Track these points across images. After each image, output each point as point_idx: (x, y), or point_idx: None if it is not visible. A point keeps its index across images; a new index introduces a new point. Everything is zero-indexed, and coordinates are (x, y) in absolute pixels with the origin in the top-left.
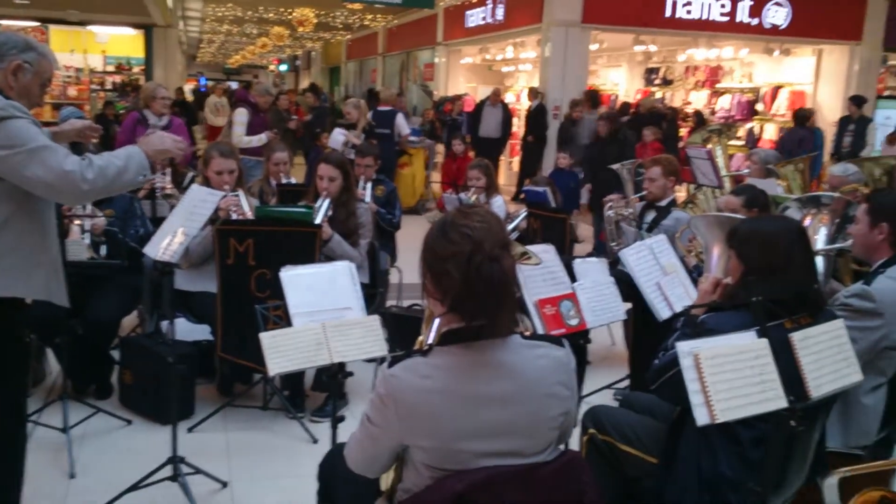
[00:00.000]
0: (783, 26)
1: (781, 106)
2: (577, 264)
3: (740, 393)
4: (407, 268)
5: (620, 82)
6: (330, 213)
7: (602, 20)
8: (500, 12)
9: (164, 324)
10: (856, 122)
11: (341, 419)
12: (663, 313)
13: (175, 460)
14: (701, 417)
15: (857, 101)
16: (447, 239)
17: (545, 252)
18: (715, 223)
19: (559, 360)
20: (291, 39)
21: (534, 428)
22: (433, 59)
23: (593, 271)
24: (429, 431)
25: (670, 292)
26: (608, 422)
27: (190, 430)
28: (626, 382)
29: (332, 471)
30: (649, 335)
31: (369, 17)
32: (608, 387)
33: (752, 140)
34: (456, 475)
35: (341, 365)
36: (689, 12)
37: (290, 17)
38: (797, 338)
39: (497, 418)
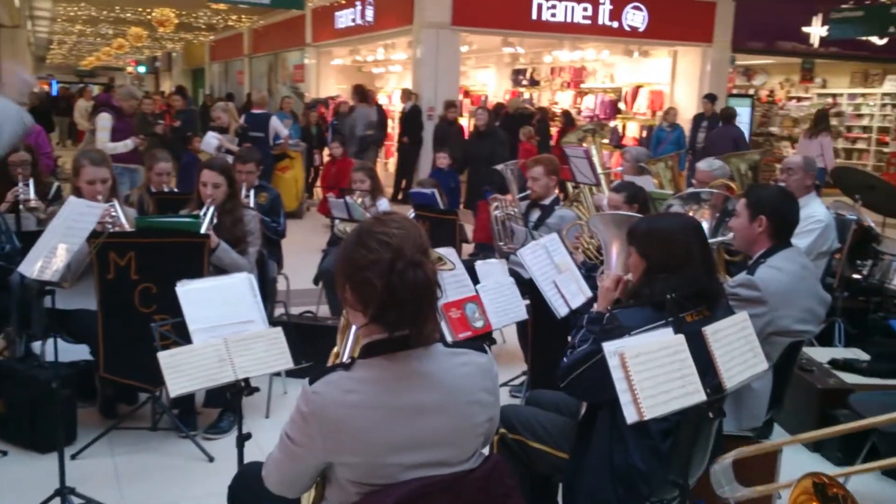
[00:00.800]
0: (641, 29)
1: (642, 105)
2: (480, 266)
3: (664, 389)
4: (294, 275)
5: (489, 83)
6: (215, 220)
7: (471, 22)
8: (369, 13)
9: (36, 345)
10: (709, 119)
11: (248, 437)
12: (561, 311)
13: (63, 491)
14: (630, 415)
15: (710, 98)
16: (365, 247)
17: (449, 255)
18: (612, 221)
19: (483, 367)
20: (150, 40)
21: (460, 436)
22: (302, 60)
23: (495, 272)
24: (355, 447)
25: (566, 289)
26: (517, 420)
27: (73, 457)
28: (521, 379)
29: (246, 492)
30: (544, 332)
31: (234, 17)
32: (504, 385)
33: (617, 138)
34: (384, 490)
35: (246, 381)
36: (553, 15)
37: (149, 17)
38: (709, 331)
39: (424, 429)
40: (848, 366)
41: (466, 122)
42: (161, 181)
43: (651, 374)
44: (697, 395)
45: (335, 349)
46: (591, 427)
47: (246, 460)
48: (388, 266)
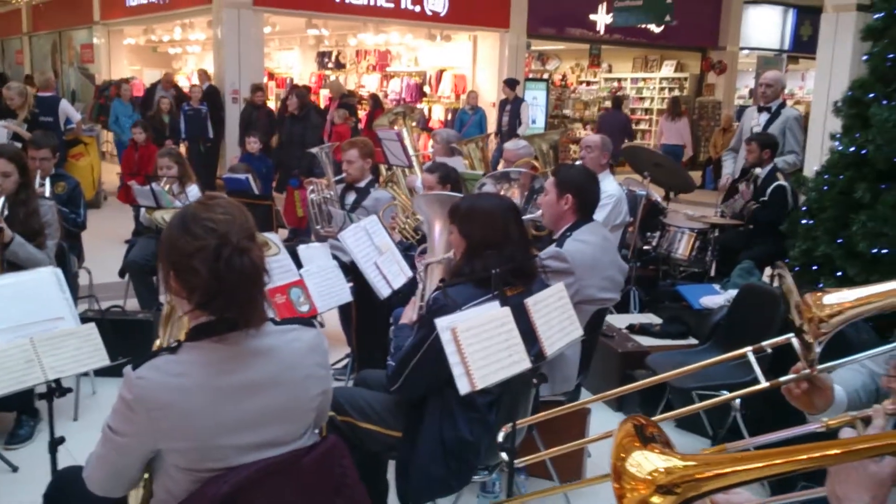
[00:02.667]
0: (442, 14)
1: (446, 88)
2: (302, 250)
3: (493, 359)
4: (97, 268)
5: (294, 65)
6: (6, 212)
7: (274, 3)
8: None
9: None
10: (512, 103)
11: (61, 441)
12: (384, 291)
13: None
14: (463, 387)
15: (510, 83)
16: (190, 234)
17: (273, 239)
18: (435, 201)
19: (313, 342)
20: None
21: (294, 411)
22: (91, 39)
23: (318, 256)
24: (186, 431)
25: (387, 270)
26: (346, 402)
27: None
28: (345, 363)
29: (65, 498)
30: (368, 314)
31: None
32: None
33: (423, 121)
34: (220, 476)
35: (58, 382)
36: None
37: None
38: (531, 302)
39: (258, 407)
40: (643, 330)
41: (274, 105)
42: None
43: (481, 345)
44: (524, 363)
45: (158, 340)
46: (422, 405)
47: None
48: (213, 253)
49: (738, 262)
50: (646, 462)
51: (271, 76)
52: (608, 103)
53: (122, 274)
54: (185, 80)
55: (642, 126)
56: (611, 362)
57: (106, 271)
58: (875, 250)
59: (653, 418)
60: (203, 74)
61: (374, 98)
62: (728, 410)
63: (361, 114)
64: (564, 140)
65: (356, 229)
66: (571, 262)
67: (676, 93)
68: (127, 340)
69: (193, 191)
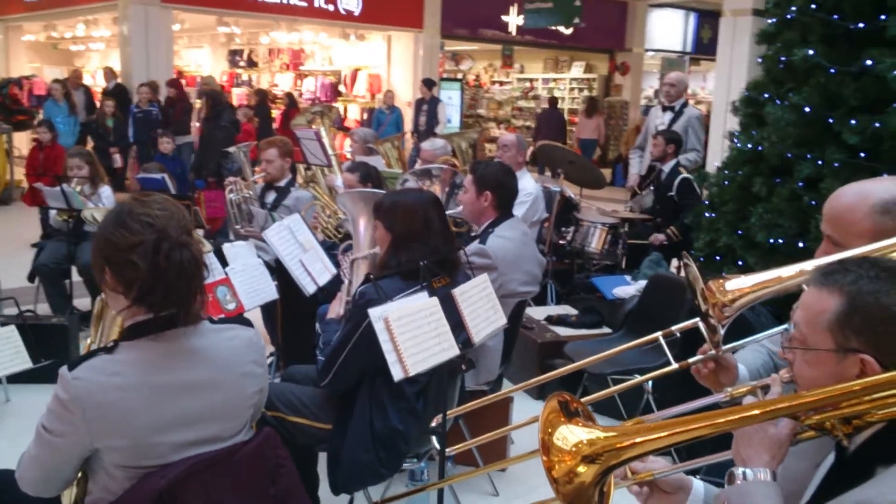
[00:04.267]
0: (356, 13)
1: (361, 88)
2: (227, 248)
3: (424, 347)
4: (2, 273)
5: (204, 63)
6: None
7: (183, 0)
8: None
9: None
10: (428, 103)
11: None
12: (309, 288)
13: None
14: (397, 374)
15: (427, 83)
16: (127, 229)
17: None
18: (359, 198)
19: (250, 340)
20: None
21: (232, 409)
22: None
23: (243, 254)
24: (122, 431)
25: (312, 268)
26: (275, 397)
27: None
28: (270, 360)
29: None
30: (293, 311)
31: None
32: None
33: (339, 120)
34: (158, 472)
35: None
36: None
37: None
38: (458, 293)
39: (194, 405)
40: (561, 321)
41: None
42: None
43: (412, 334)
44: (452, 350)
45: (88, 340)
46: (352, 397)
47: None
48: (152, 247)
49: (647, 255)
50: (571, 435)
51: (181, 74)
52: (545, 105)
53: (31, 278)
54: (90, 78)
55: None
56: (531, 352)
57: (12, 276)
58: (772, 240)
59: None
60: (109, 72)
61: (289, 97)
62: (641, 393)
63: (276, 113)
64: (480, 139)
65: (280, 227)
66: (494, 258)
67: (586, 93)
68: (43, 345)
69: (106, 192)
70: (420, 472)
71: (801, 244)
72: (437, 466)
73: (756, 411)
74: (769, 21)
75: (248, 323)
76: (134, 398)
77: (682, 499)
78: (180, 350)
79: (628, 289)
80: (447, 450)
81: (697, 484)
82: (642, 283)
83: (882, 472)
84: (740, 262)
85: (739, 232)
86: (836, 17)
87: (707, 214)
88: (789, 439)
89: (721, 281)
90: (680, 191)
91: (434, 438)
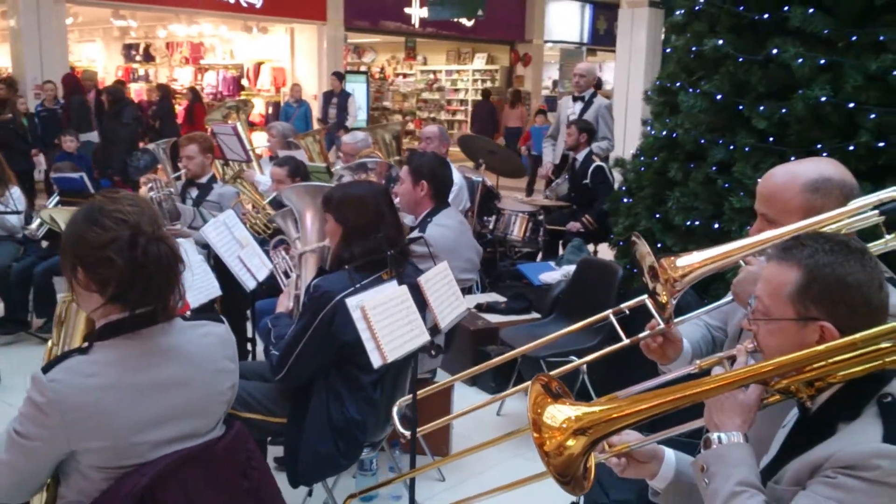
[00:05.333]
0: (258, 5)
1: (265, 81)
2: None
3: (399, 333)
4: None
5: (98, 58)
6: None
7: None
8: None
9: None
10: (338, 96)
11: None
12: (249, 284)
13: None
14: (376, 360)
15: (338, 76)
16: (100, 226)
17: None
18: (305, 192)
19: (222, 336)
20: None
21: (208, 405)
22: None
23: (184, 251)
24: (101, 431)
25: (250, 263)
26: None
27: None
28: None
29: None
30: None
31: None
32: None
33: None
34: (137, 471)
35: None
36: None
37: None
38: (423, 280)
39: (172, 403)
40: (491, 308)
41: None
42: None
43: (388, 321)
44: (423, 337)
45: (50, 343)
46: (308, 389)
47: None
48: (129, 242)
49: (564, 241)
50: (559, 413)
51: (73, 70)
52: (479, 96)
53: None
54: None
55: (459, 116)
56: (464, 340)
57: None
58: (689, 223)
59: (509, 390)
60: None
61: (192, 92)
62: (577, 375)
63: (179, 108)
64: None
65: (216, 224)
66: (435, 246)
67: (489, 84)
68: None
69: (16, 193)
70: (369, 463)
71: (716, 225)
72: (395, 454)
73: (729, 379)
74: (677, 13)
75: (220, 318)
76: (113, 399)
77: (655, 466)
78: (156, 348)
79: (554, 274)
80: (417, 433)
81: (669, 452)
82: (567, 268)
83: (843, 427)
84: (659, 245)
85: (657, 216)
86: (741, 8)
87: (625, 200)
88: (758, 403)
89: (672, 258)
90: (594, 178)
91: (398, 423)
